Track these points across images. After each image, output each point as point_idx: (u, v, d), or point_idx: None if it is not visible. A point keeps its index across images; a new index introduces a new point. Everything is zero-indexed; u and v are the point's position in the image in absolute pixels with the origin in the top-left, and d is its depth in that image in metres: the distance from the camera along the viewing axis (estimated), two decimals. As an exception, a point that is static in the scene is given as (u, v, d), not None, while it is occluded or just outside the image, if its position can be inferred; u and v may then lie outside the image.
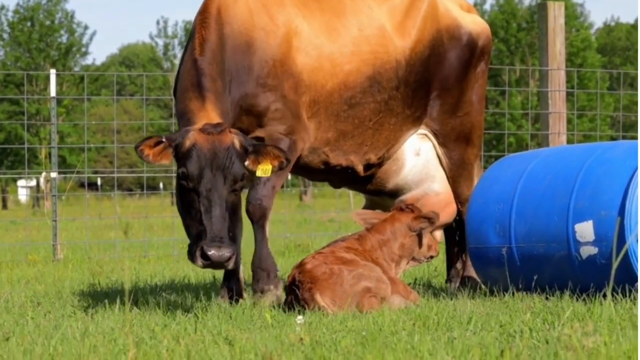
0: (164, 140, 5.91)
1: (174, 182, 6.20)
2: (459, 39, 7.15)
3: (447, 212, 7.13)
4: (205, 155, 5.81)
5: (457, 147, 7.20)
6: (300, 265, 5.98)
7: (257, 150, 5.98)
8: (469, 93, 7.21)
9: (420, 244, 6.32)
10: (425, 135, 7.16)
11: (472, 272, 7.18)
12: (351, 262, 5.97)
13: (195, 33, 6.42)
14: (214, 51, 6.33)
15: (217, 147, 5.83)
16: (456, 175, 7.24)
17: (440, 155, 7.22)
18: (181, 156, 5.86)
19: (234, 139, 5.90)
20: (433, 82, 7.07)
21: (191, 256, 5.77)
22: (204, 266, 5.74)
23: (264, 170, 6.01)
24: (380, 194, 7.24)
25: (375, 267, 6.02)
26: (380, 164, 7.05)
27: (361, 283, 5.86)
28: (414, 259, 6.35)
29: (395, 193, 7.19)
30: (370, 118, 6.81)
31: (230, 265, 5.74)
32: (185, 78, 6.31)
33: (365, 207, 7.39)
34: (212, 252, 5.66)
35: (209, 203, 5.79)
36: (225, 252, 5.67)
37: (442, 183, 7.20)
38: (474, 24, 7.27)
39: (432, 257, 6.44)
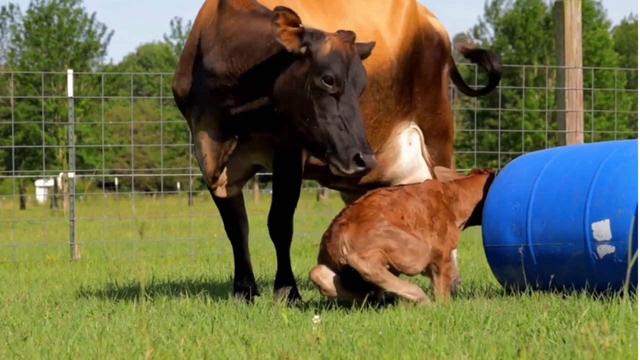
0: (300, 26, 5.82)
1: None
2: (432, 39, 7.26)
3: None
4: (347, 62, 5.85)
5: (437, 143, 7.31)
6: (368, 196, 5.98)
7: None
8: (442, 91, 7.32)
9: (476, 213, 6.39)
10: (415, 129, 7.24)
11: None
12: (404, 226, 5.87)
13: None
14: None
15: (354, 55, 5.90)
16: None
17: (423, 151, 7.32)
18: (321, 58, 5.83)
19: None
20: (414, 78, 7.14)
21: (341, 163, 5.77)
22: (355, 173, 5.80)
23: None
24: (375, 187, 7.22)
25: (420, 243, 5.89)
26: None
27: (387, 240, 5.77)
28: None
29: (390, 183, 7.20)
30: (371, 117, 6.81)
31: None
32: (250, 22, 6.12)
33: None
34: (367, 158, 5.74)
35: (351, 110, 5.85)
36: (374, 157, 5.82)
37: (427, 172, 7.28)
38: (440, 26, 7.41)
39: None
